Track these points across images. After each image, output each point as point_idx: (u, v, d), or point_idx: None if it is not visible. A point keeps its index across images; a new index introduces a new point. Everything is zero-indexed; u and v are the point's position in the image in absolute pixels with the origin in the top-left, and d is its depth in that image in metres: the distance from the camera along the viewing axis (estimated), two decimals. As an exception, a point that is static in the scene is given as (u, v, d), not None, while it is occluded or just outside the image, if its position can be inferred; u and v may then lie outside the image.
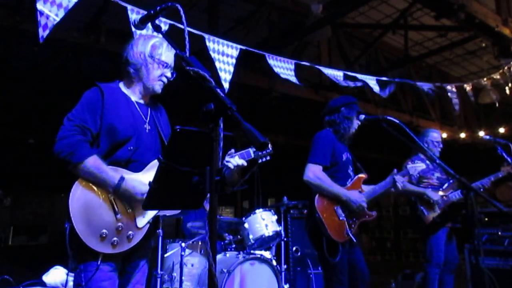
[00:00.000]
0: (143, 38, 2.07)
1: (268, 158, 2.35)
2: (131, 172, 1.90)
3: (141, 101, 2.09)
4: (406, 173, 3.29)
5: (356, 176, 3.23)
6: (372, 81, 5.04)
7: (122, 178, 1.81)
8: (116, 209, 1.83)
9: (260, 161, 2.31)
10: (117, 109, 1.93)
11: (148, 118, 2.05)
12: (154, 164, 1.95)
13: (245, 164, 2.00)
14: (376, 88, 4.93)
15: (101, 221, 1.78)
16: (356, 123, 3.21)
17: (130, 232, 1.83)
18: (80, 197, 1.79)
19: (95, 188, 1.82)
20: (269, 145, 2.26)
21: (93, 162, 1.79)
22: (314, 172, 3.03)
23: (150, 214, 1.90)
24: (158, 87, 2.06)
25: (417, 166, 3.36)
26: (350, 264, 3.07)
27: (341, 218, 3.05)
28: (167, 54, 2.06)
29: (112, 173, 1.81)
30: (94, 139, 1.89)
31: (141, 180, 1.88)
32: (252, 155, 2.22)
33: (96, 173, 1.78)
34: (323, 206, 3.02)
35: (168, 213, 2.02)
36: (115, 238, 1.79)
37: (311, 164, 3.07)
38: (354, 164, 3.30)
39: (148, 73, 2.03)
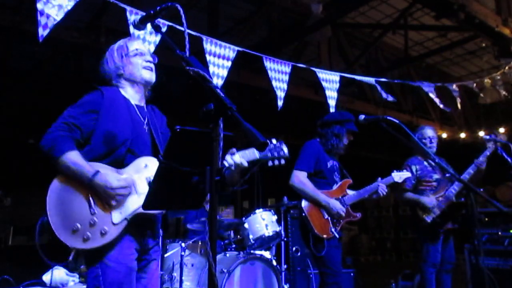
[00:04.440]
0: (109, 50, 2.11)
1: (282, 162, 2.13)
2: (114, 169, 1.89)
3: (140, 104, 2.09)
4: (390, 180, 3.52)
5: (341, 182, 3.49)
6: (371, 82, 5.04)
7: (96, 172, 1.79)
8: (92, 203, 1.81)
9: (270, 163, 2.13)
10: (115, 112, 1.94)
11: (146, 120, 2.06)
12: (139, 161, 1.94)
13: (245, 164, 1.89)
14: (375, 87, 4.92)
15: (75, 214, 1.77)
16: (345, 140, 3.48)
17: (104, 227, 1.80)
18: (58, 191, 1.80)
19: (73, 183, 1.81)
20: (285, 149, 2.14)
21: (72, 157, 1.79)
22: (298, 178, 3.36)
23: (128, 210, 1.86)
24: (147, 74, 2.06)
25: (402, 174, 3.58)
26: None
27: (325, 217, 3.32)
28: (133, 43, 2.09)
29: (89, 168, 1.80)
30: (85, 138, 1.89)
31: (122, 176, 1.88)
32: (257, 156, 2.08)
33: (73, 167, 1.78)
34: (310, 206, 3.34)
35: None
36: (87, 233, 1.76)
37: (296, 170, 3.39)
38: (340, 171, 3.58)
39: (129, 68, 2.04)
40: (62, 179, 1.82)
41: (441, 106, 5.61)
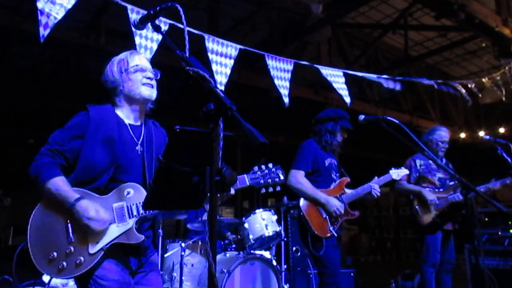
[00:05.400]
0: (110, 63, 2.03)
1: (278, 188, 2.08)
2: (96, 196, 1.85)
3: (136, 123, 2.02)
4: (388, 178, 3.50)
5: (340, 180, 3.48)
6: (374, 79, 5.02)
7: (78, 199, 1.76)
8: (70, 230, 1.77)
9: (264, 190, 2.07)
10: (101, 136, 1.88)
11: (140, 139, 1.99)
12: (122, 187, 1.89)
13: (232, 193, 1.83)
14: (377, 85, 4.90)
15: (53, 242, 1.76)
16: (339, 137, 3.46)
17: (80, 258, 1.75)
18: (40, 217, 1.79)
19: (55, 209, 1.80)
20: (282, 174, 2.06)
21: (56, 183, 1.78)
22: (296, 178, 3.35)
23: (105, 240, 1.80)
24: (146, 91, 1.97)
25: (400, 171, 3.56)
26: None
27: (323, 216, 3.32)
28: (134, 58, 2.01)
29: (72, 193, 1.77)
30: (71, 164, 1.87)
31: (103, 203, 1.83)
32: (247, 183, 2.04)
33: (56, 193, 1.77)
34: (308, 206, 3.34)
35: (121, 240, 1.84)
36: (63, 262, 1.73)
37: (293, 170, 3.38)
38: (338, 169, 3.55)
39: (128, 84, 1.96)
40: (45, 205, 1.81)
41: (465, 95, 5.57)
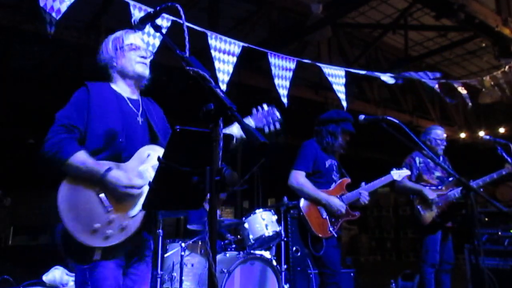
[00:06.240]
0: (105, 40, 2.09)
1: (277, 126, 2.16)
2: (119, 164, 1.87)
3: (132, 96, 2.08)
4: (389, 179, 3.54)
5: (340, 181, 3.49)
6: (377, 76, 5.03)
7: (108, 169, 1.78)
8: (105, 200, 1.79)
9: (267, 129, 2.14)
10: (104, 106, 1.93)
11: (140, 111, 2.04)
12: (141, 151, 1.93)
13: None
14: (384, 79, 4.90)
15: (91, 215, 1.76)
16: (341, 139, 3.45)
17: (124, 223, 1.79)
18: (68, 195, 1.78)
19: (82, 183, 1.79)
20: (278, 112, 2.17)
21: (80, 157, 1.78)
22: (296, 178, 3.37)
23: (142, 200, 1.84)
24: (140, 68, 2.04)
25: (401, 172, 3.60)
26: None
27: (323, 217, 3.34)
28: (129, 37, 2.06)
29: (98, 165, 1.79)
30: (83, 136, 1.88)
31: (128, 169, 1.86)
32: (253, 124, 2.10)
33: (83, 167, 1.77)
34: (308, 206, 3.36)
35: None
36: (107, 231, 1.76)
37: (294, 170, 3.40)
38: (339, 170, 3.56)
39: (123, 61, 2.03)
40: (70, 182, 1.80)
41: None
